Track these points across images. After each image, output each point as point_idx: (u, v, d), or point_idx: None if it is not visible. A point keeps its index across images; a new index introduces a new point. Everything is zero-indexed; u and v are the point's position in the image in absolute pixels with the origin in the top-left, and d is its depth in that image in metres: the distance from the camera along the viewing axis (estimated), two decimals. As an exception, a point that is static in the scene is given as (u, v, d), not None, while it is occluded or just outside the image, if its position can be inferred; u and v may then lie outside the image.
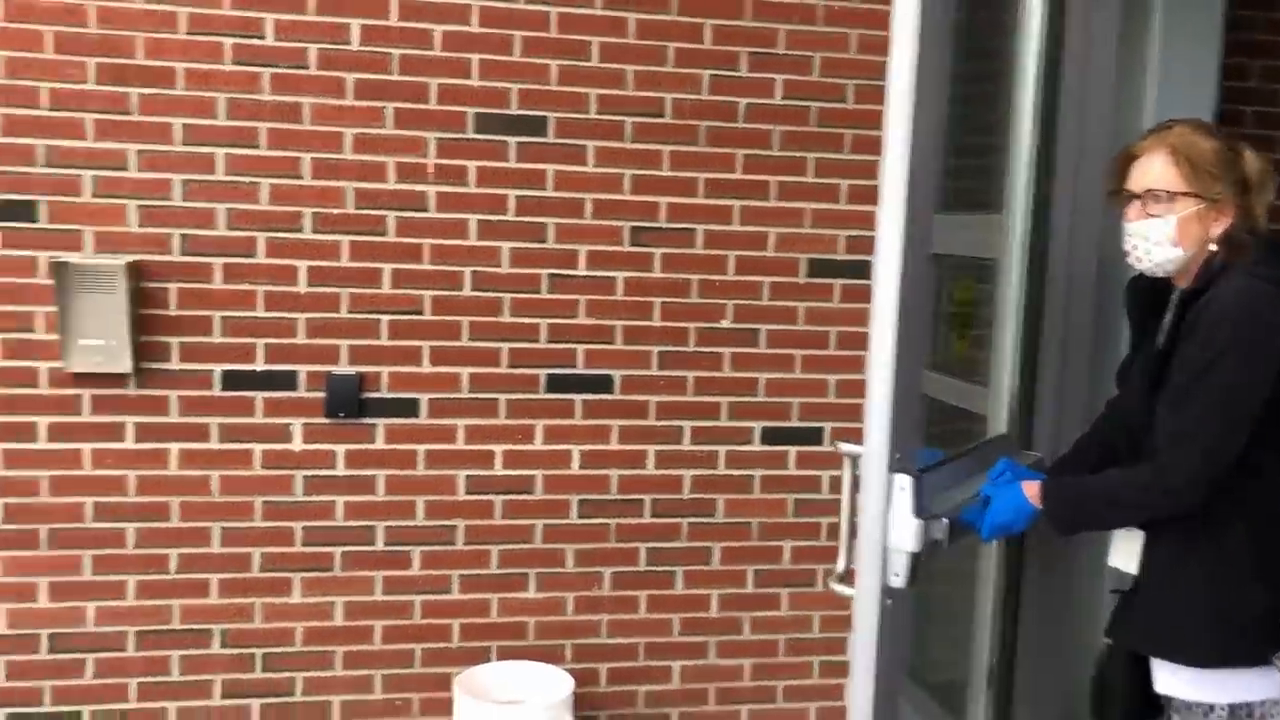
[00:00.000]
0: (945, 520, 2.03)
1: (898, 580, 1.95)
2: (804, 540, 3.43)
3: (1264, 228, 2.19)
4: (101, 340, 2.98)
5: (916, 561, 1.95)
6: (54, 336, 2.98)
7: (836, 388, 3.40)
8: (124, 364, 3.00)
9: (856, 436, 2.01)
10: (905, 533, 1.94)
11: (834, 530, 3.31)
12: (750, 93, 3.27)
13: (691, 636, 3.41)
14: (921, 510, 1.95)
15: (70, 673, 3.09)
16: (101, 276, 2.94)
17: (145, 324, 3.03)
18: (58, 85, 2.95)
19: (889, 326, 1.92)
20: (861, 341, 2.30)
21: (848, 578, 2.05)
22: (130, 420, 3.07)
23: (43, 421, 3.03)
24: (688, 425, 3.34)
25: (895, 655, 2.07)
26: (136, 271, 3.00)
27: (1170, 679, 2.18)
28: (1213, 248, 2.13)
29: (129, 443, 3.07)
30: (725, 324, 3.33)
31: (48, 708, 3.09)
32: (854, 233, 3.34)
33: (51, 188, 2.97)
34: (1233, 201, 2.15)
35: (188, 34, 3.00)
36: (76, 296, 2.94)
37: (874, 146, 2.03)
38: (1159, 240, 2.15)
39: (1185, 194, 2.13)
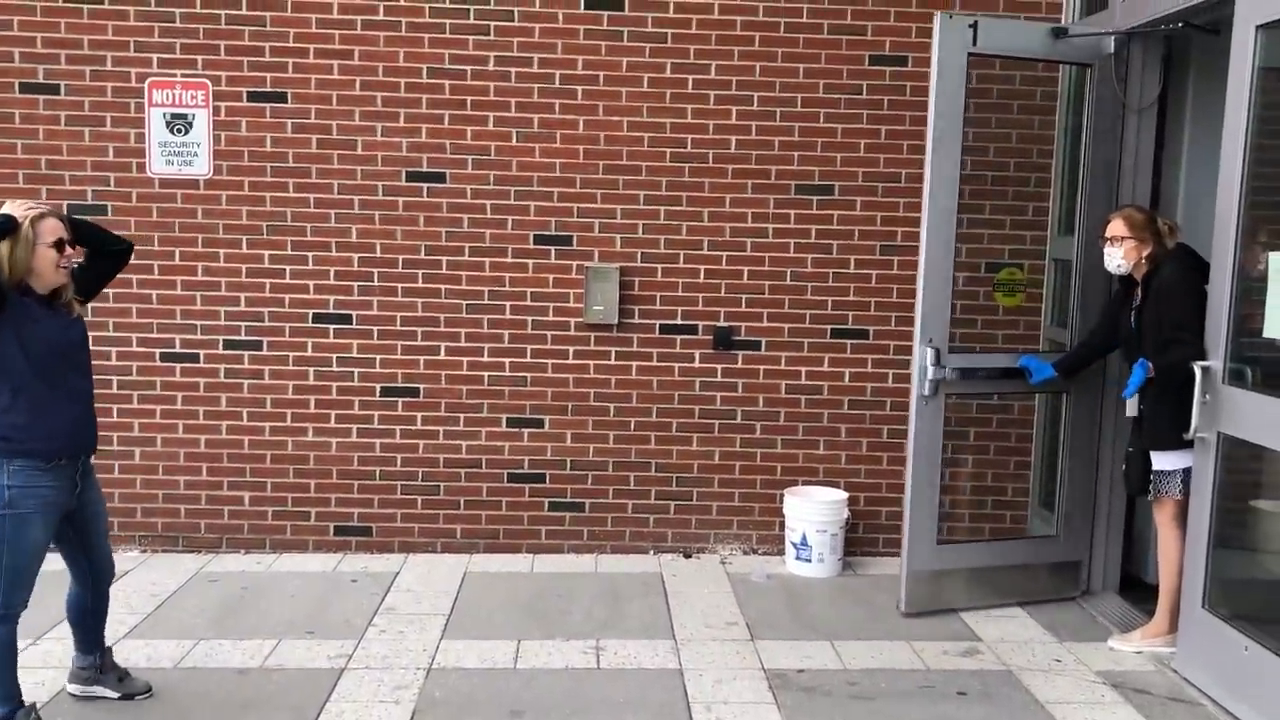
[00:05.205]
0: (951, 369, 4.47)
1: (926, 391, 4.41)
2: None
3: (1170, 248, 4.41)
4: (602, 306, 5.91)
5: (936, 386, 4.40)
6: (580, 304, 5.94)
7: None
8: (613, 319, 5.91)
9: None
10: (929, 370, 4.40)
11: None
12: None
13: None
14: (938, 362, 4.40)
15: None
16: (603, 274, 5.89)
17: (625, 299, 5.92)
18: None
19: (925, 277, 4.39)
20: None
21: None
22: (614, 349, 5.97)
23: (571, 349, 6.01)
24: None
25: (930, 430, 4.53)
26: (621, 271, 5.91)
27: (1159, 458, 4.44)
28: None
29: (612, 360, 5.98)
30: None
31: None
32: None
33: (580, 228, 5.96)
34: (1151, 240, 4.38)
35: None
36: (592, 284, 5.90)
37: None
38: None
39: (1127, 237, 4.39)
